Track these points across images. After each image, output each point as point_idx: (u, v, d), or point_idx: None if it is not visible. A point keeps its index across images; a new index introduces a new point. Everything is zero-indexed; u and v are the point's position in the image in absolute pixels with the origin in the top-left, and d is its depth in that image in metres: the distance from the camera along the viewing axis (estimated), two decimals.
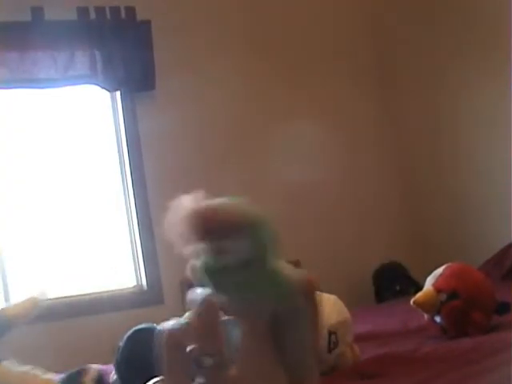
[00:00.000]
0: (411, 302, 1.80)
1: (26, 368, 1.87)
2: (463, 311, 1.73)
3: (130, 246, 3.59)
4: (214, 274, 0.78)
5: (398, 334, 2.04)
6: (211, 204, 0.75)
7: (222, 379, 0.74)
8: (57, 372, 2.46)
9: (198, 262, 0.80)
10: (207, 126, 3.72)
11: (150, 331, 1.81)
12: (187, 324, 0.80)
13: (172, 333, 0.79)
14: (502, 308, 1.79)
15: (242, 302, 0.79)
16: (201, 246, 0.77)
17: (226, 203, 0.76)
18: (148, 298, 3.49)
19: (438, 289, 1.79)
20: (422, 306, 1.80)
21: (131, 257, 3.58)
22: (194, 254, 0.80)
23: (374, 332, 2.14)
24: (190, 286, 0.82)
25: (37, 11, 3.35)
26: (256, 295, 0.78)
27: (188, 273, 0.80)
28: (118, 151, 3.65)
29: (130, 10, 3.55)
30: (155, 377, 1.43)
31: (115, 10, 3.52)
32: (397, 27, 4.09)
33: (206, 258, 0.78)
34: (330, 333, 1.64)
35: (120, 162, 3.64)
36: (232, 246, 0.76)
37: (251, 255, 0.77)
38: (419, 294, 1.82)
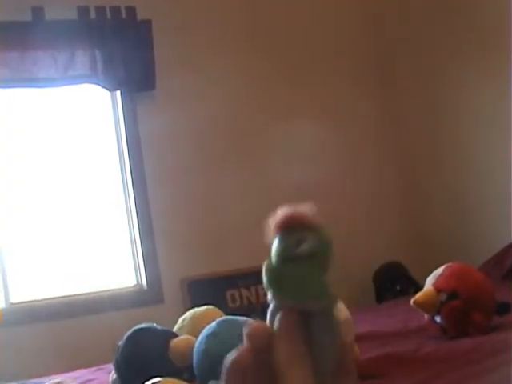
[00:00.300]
0: (411, 302, 1.80)
1: None
2: (463, 311, 1.73)
3: (130, 245, 3.59)
4: (285, 262, 1.01)
5: (398, 334, 2.03)
6: (294, 209, 1.03)
7: None
8: (56, 372, 2.46)
9: (268, 262, 1.03)
10: (207, 126, 3.71)
11: (150, 331, 1.81)
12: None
13: (237, 359, 1.00)
14: (502, 308, 1.78)
15: (292, 292, 1.01)
16: (283, 238, 1.02)
17: (304, 210, 1.03)
18: (148, 297, 3.48)
19: (438, 289, 1.78)
20: (422, 306, 1.80)
21: (131, 256, 3.58)
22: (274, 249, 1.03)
23: (374, 332, 2.13)
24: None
25: (37, 11, 3.35)
26: (306, 287, 1.00)
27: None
28: (118, 151, 3.65)
29: (131, 10, 3.55)
30: (155, 377, 1.43)
31: (116, 10, 3.52)
32: (397, 27, 4.09)
33: (286, 246, 1.02)
34: None
35: (120, 162, 3.64)
36: (305, 237, 1.01)
37: (318, 249, 1.01)
38: (419, 294, 1.81)
